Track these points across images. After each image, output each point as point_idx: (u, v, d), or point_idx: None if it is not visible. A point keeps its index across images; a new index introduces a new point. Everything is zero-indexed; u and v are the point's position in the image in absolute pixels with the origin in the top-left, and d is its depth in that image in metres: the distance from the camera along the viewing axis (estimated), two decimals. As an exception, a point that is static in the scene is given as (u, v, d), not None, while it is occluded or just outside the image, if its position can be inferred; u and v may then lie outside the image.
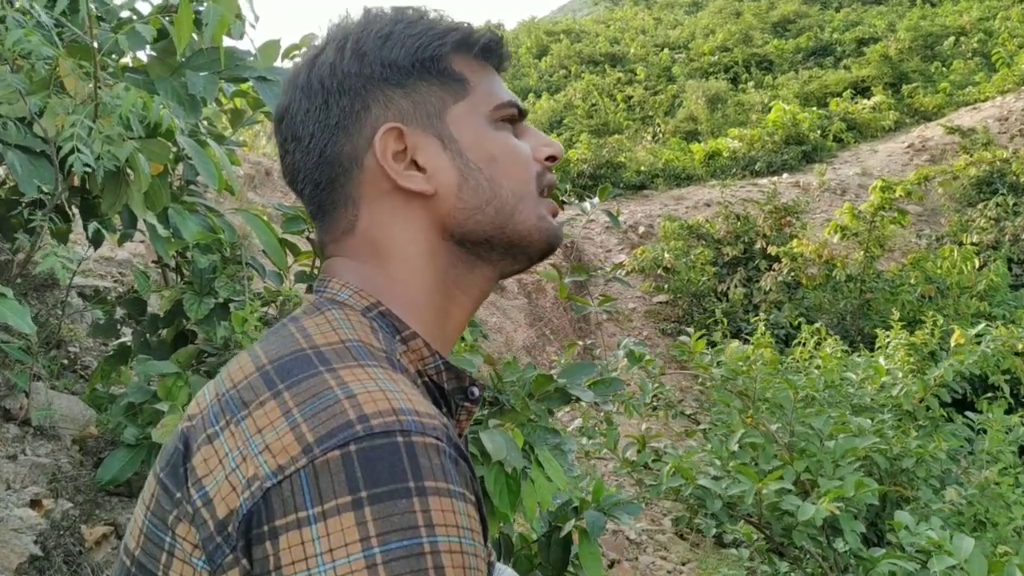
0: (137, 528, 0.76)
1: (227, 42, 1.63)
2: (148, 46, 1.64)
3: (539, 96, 23.52)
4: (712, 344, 6.02)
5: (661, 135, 18.40)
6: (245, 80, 1.71)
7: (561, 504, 1.95)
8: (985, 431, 5.00)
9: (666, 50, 25.37)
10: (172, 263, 2.01)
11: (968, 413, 5.47)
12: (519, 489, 1.50)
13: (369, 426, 0.65)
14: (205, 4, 1.52)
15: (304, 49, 2.40)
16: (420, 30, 0.86)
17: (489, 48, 0.90)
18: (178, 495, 0.71)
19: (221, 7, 1.41)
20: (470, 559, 0.64)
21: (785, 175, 13.80)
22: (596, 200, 3.14)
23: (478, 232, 0.86)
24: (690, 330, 4.27)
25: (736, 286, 9.51)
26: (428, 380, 0.83)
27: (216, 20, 1.38)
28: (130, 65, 1.75)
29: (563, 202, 2.58)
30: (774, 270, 9.32)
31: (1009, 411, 6.33)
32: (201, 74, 1.57)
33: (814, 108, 17.38)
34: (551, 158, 0.92)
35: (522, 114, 0.92)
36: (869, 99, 17.98)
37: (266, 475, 0.65)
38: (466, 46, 0.88)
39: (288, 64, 2.28)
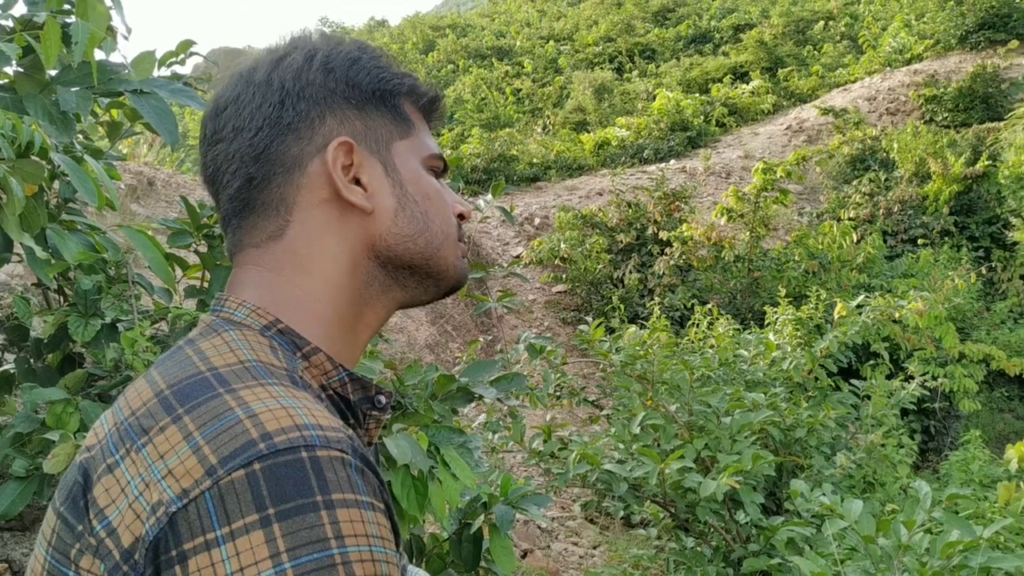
0: (39, 566, 0.75)
1: (99, 55, 1.58)
2: (14, 62, 1.57)
3: (428, 92, 23.44)
4: (611, 330, 6.14)
5: (551, 127, 18.59)
6: (120, 94, 1.65)
7: (470, 500, 1.97)
8: (869, 397, 5.26)
9: (551, 42, 25.65)
10: (53, 285, 1.94)
11: (853, 381, 5.75)
12: (427, 491, 1.52)
13: (273, 443, 0.66)
14: (72, 18, 1.47)
15: (182, 56, 2.34)
16: (384, 64, 0.92)
17: (432, 103, 0.98)
18: (80, 528, 0.71)
19: (91, 23, 1.36)
20: (382, 566, 0.65)
21: (672, 161, 14.15)
22: (490, 197, 3.17)
23: (405, 258, 0.90)
24: (589, 318, 4.35)
25: (631, 272, 9.71)
26: (333, 393, 0.84)
27: (86, 37, 1.33)
28: (-5, 82, 1.68)
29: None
30: (666, 255, 9.55)
31: (891, 376, 6.68)
32: (73, 90, 1.52)
33: (696, 95, 17.87)
34: (461, 216, 0.98)
35: (445, 169, 0.99)
36: (748, 84, 18.59)
37: (171, 500, 0.65)
38: (415, 94, 0.95)
39: (165, 72, 2.23)
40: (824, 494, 2.87)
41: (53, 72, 1.59)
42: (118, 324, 1.80)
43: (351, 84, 0.89)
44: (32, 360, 1.98)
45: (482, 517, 1.90)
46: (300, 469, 0.65)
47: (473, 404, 4.50)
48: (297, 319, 0.84)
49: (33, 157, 1.45)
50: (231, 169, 0.88)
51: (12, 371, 2.01)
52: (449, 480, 1.57)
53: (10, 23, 1.54)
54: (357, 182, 0.87)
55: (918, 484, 2.61)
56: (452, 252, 0.94)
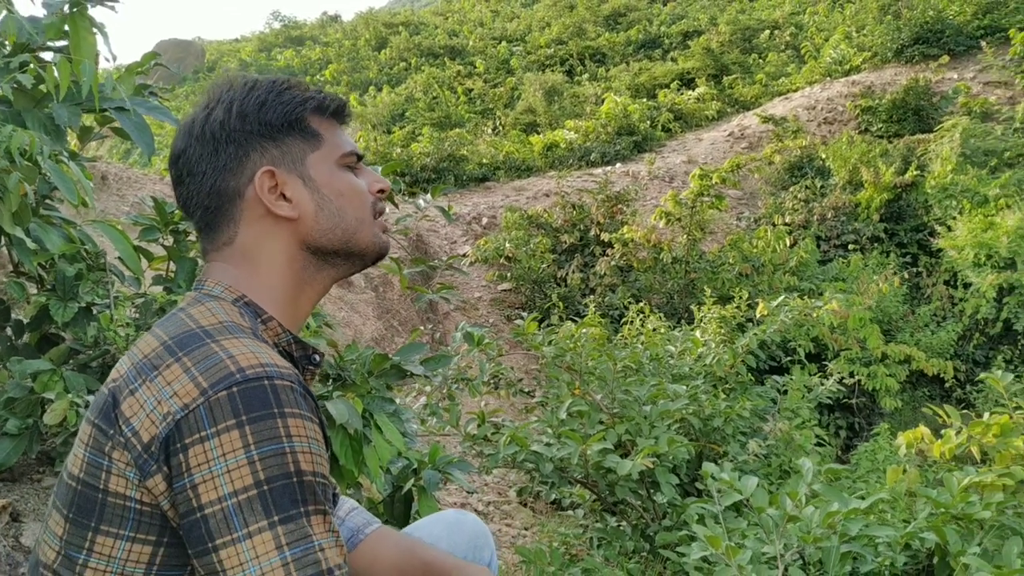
0: (78, 459, 1.06)
1: (84, 74, 1.83)
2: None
3: (380, 89, 23.53)
4: (551, 326, 6.44)
5: (501, 127, 18.82)
6: (104, 110, 1.90)
7: (403, 467, 2.25)
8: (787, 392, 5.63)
9: (504, 43, 25.88)
10: (35, 273, 2.17)
11: (776, 376, 6.12)
12: (361, 449, 1.79)
13: (245, 374, 0.97)
14: (65, 41, 1.72)
15: (145, 67, 2.59)
16: (287, 98, 1.20)
17: (337, 111, 1.25)
18: (111, 431, 1.02)
19: (83, 51, 1.61)
20: (317, 457, 0.98)
21: (619, 164, 14.50)
22: (429, 197, 3.44)
23: (329, 247, 1.20)
24: (524, 314, 4.65)
25: (574, 272, 10.02)
26: (282, 350, 1.16)
27: (91, 75, 1.59)
28: (-9, 95, 1.91)
29: (396, 203, 2.86)
30: (608, 255, 9.88)
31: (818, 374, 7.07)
32: (64, 104, 1.77)
33: (644, 99, 18.24)
34: (381, 191, 1.27)
35: (359, 158, 1.27)
36: (694, 90, 18.99)
37: (176, 411, 0.97)
38: (320, 110, 1.23)
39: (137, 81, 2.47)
40: (724, 472, 3.19)
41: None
42: (92, 307, 2.05)
43: (263, 123, 1.18)
44: (14, 338, 2.23)
45: (412, 481, 2.18)
46: (263, 391, 0.97)
47: (415, 393, 4.76)
48: (256, 296, 1.17)
49: (27, 162, 1.70)
50: (193, 203, 1.20)
51: (-6, 348, 2.24)
52: (381, 442, 1.85)
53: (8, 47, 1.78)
54: (284, 197, 1.17)
55: (801, 461, 2.94)
56: (368, 231, 1.23)
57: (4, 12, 1.73)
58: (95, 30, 1.71)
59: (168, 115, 1.96)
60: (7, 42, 1.73)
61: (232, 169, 1.17)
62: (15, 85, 1.78)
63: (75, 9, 1.67)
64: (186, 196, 1.20)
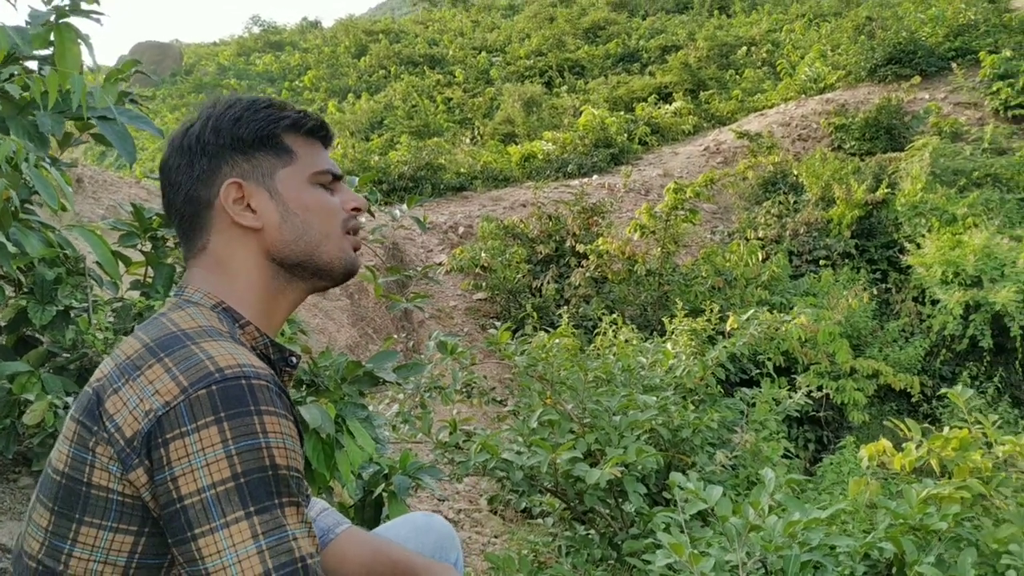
0: (63, 455, 1.11)
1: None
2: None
3: (359, 96, 23.52)
4: (524, 336, 6.50)
5: (479, 137, 18.88)
6: (88, 118, 1.94)
7: (374, 472, 2.30)
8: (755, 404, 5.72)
9: (483, 53, 25.98)
10: (14, 276, 2.19)
11: (745, 389, 6.20)
12: (333, 453, 1.84)
13: (223, 374, 1.04)
14: (50, 51, 1.76)
15: (126, 73, 2.63)
16: (262, 115, 1.27)
17: (313, 130, 1.31)
18: (95, 428, 1.08)
19: (67, 61, 1.66)
20: (291, 452, 1.04)
21: (595, 176, 14.61)
22: (404, 207, 3.50)
23: (292, 259, 1.26)
24: (497, 323, 4.70)
25: (549, 282, 10.09)
26: (259, 352, 1.22)
27: (80, 87, 1.64)
28: (-25, 102, 1.94)
29: (372, 212, 2.91)
30: (583, 267, 9.95)
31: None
32: (48, 113, 1.81)
33: (621, 112, 18.37)
34: (356, 209, 1.33)
35: (337, 177, 1.33)
36: (671, 104, 19.14)
37: (158, 408, 1.03)
38: (295, 128, 1.29)
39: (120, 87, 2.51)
40: (691, 482, 3.25)
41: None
42: (70, 311, 2.08)
43: (235, 138, 1.24)
44: (-10, 341, 2.25)
45: (383, 486, 2.22)
46: (241, 390, 1.03)
47: (387, 401, 4.80)
48: (233, 302, 1.24)
49: (11, 169, 1.73)
50: (173, 209, 1.27)
51: (-30, 350, 2.26)
52: (353, 447, 1.89)
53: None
54: (249, 207, 1.24)
55: (764, 471, 3.01)
56: (335, 247, 1.28)
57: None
58: (79, 41, 1.76)
59: (149, 124, 2.00)
60: (-3, 54, 1.78)
61: (204, 180, 1.23)
62: (1, 94, 1.83)
63: (61, 21, 1.72)
64: (168, 203, 1.28)
